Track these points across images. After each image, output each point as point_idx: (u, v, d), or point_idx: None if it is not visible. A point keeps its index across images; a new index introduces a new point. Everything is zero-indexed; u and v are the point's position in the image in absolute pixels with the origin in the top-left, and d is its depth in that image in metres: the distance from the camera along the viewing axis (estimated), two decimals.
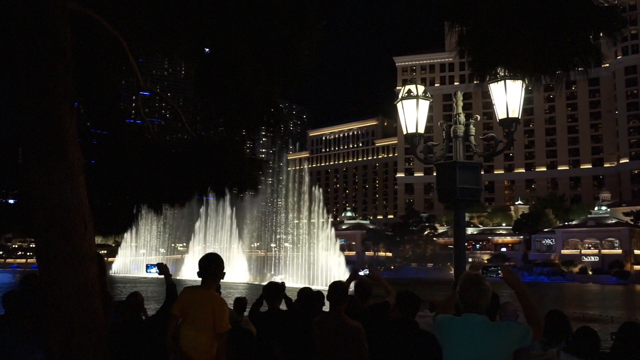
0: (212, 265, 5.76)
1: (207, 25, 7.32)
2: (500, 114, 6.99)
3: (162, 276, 6.70)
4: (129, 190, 9.75)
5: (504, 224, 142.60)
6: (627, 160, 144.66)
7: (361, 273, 6.94)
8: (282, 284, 7.52)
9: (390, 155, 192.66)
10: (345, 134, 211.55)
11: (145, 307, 7.55)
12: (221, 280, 6.04)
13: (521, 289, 4.42)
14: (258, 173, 10.36)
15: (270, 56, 7.58)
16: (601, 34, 4.98)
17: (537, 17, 4.55)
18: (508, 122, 6.94)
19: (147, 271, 7.23)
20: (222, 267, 5.83)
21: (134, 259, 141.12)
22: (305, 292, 7.31)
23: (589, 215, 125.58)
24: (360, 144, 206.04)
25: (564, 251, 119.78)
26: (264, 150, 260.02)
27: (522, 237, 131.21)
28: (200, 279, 5.78)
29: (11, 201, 10.97)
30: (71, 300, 5.13)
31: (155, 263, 6.92)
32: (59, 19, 5.30)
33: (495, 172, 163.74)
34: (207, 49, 8.09)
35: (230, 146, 9.70)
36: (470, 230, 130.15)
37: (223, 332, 5.56)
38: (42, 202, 5.21)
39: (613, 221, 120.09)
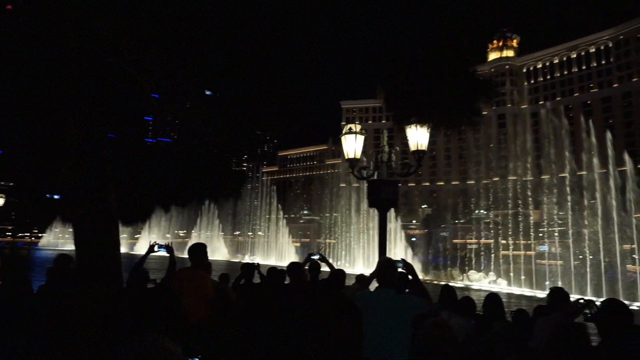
0: (197, 252, 5.85)
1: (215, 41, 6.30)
2: (412, 147, 7.23)
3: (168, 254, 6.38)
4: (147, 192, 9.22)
5: (414, 221, 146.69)
6: (498, 179, 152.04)
7: (315, 257, 6.97)
8: (257, 264, 7.48)
9: (336, 170, 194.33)
10: (305, 154, 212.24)
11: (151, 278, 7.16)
12: None
13: (415, 275, 4.62)
14: (240, 183, 10.08)
15: (272, 60, 6.60)
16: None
17: (438, 90, 4.79)
18: (417, 153, 7.18)
19: (156, 250, 6.58)
20: (205, 253, 5.91)
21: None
22: (273, 270, 7.30)
23: (472, 216, 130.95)
24: (315, 162, 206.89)
25: (455, 240, 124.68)
26: (245, 165, 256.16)
27: (426, 230, 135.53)
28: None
29: (56, 197, 10.27)
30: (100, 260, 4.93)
31: (163, 244, 6.13)
32: (65, 27, 4.62)
33: (409, 184, 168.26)
34: (208, 92, 7.54)
35: (220, 160, 9.38)
36: (390, 226, 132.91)
37: (208, 298, 5.63)
38: (76, 198, 5.02)
39: (487, 220, 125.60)
